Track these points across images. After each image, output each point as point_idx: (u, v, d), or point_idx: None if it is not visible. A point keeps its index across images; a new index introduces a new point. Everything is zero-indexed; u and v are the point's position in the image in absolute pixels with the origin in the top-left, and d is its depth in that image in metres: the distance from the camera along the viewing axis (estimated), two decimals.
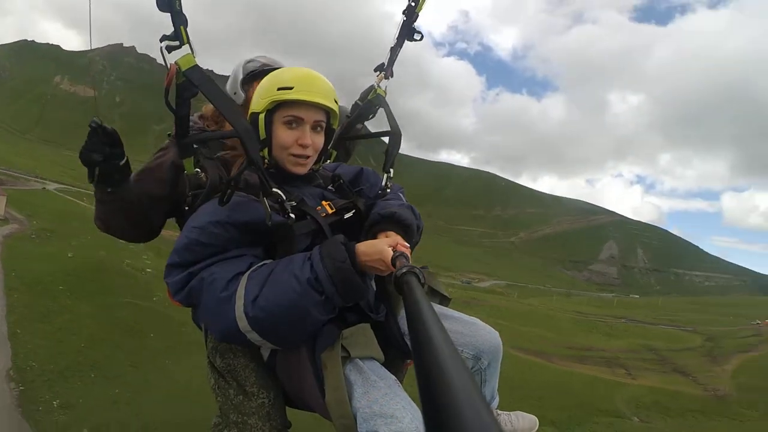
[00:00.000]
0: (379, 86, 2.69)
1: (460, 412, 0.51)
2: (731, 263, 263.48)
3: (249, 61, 2.59)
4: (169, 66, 1.63)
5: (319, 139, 2.05)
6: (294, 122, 1.97)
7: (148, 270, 20.10)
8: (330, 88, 2.02)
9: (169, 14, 1.64)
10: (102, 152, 1.90)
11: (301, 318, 1.65)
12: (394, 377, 1.77)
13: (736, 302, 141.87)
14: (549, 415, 32.14)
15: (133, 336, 11.08)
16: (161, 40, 1.66)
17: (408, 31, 2.63)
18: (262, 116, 1.97)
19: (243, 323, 1.63)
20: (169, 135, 2.25)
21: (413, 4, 2.58)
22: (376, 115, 2.80)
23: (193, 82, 1.67)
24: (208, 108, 2.49)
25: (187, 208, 2.07)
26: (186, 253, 1.74)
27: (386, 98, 2.69)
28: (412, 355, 0.80)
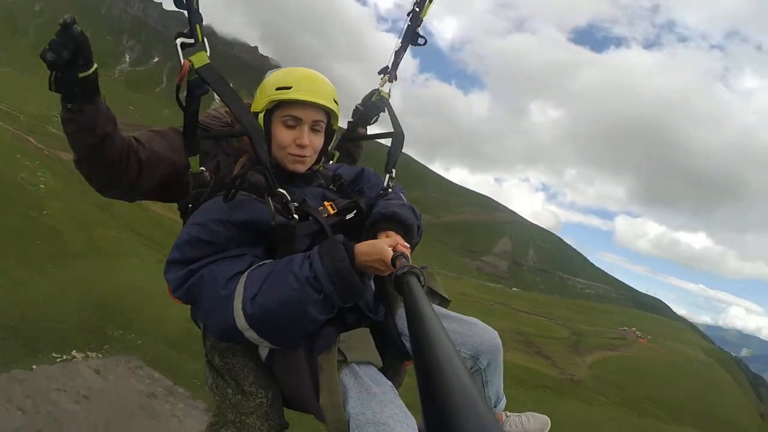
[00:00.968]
0: (382, 89, 2.73)
1: (460, 411, 0.51)
2: (614, 277, 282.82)
3: (269, 72, 2.50)
4: (182, 62, 1.69)
5: (318, 140, 2.04)
6: (292, 122, 1.96)
7: (41, 186, 20.81)
8: (330, 88, 2.01)
9: (186, 11, 1.72)
10: (58, 54, 1.61)
11: (300, 316, 1.63)
12: (390, 384, 1.77)
13: (612, 310, 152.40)
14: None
15: (21, 241, 12.27)
16: (176, 37, 1.72)
17: (412, 35, 2.68)
18: (261, 115, 1.98)
19: (241, 321, 1.62)
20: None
21: (417, 9, 2.64)
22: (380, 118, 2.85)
23: (206, 80, 1.72)
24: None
25: (190, 205, 2.01)
26: (187, 249, 1.72)
27: (390, 99, 2.77)
28: (412, 354, 0.79)
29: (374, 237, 1.88)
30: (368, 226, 1.95)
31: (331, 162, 2.69)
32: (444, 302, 2.37)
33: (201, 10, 1.74)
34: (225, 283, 1.64)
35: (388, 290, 2.00)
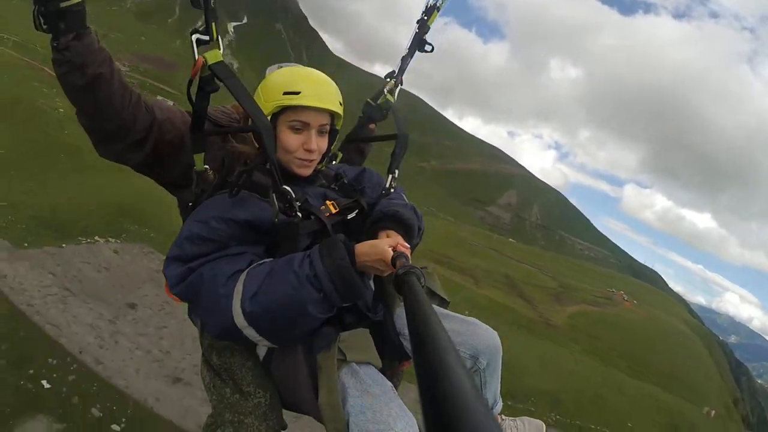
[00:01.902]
0: (389, 92, 2.77)
1: (460, 411, 0.52)
2: (614, 244, 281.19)
3: (269, 69, 2.45)
4: (196, 58, 1.71)
5: (324, 142, 2.03)
6: (300, 126, 1.93)
7: (60, 110, 20.88)
8: (336, 90, 2.01)
9: (203, 10, 1.75)
10: None
11: (299, 315, 1.63)
12: (390, 384, 1.79)
13: (605, 273, 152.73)
14: None
15: (47, 155, 13.54)
16: (192, 33, 1.74)
17: (419, 42, 2.74)
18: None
19: (240, 319, 1.62)
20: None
21: (425, 17, 2.70)
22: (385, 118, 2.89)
23: (218, 76, 1.73)
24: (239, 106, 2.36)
25: (190, 204, 2.02)
26: (187, 245, 1.72)
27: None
28: (412, 354, 0.79)
29: (375, 236, 1.89)
30: (369, 225, 1.96)
31: (333, 162, 2.71)
32: (443, 303, 2.39)
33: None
34: (225, 281, 1.64)
35: (388, 290, 2.00)
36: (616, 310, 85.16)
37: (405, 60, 2.78)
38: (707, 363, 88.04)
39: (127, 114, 1.83)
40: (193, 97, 1.78)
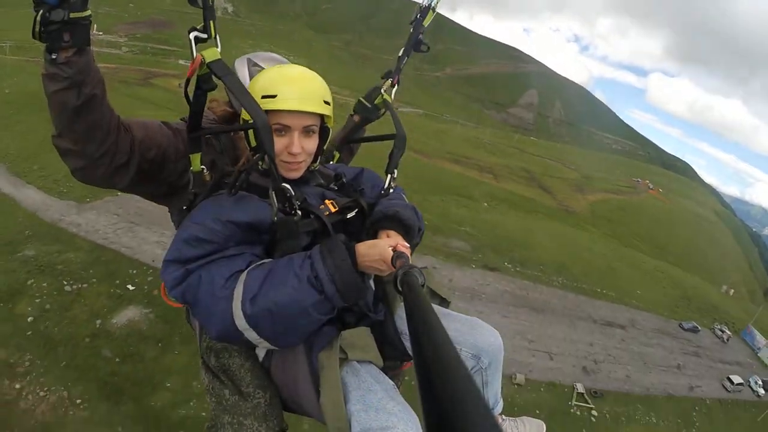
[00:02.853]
0: (385, 92, 2.73)
1: (460, 411, 0.52)
2: (643, 136, 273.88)
3: (254, 65, 2.44)
4: (194, 57, 1.68)
5: (311, 143, 1.95)
6: (282, 130, 1.87)
7: None
8: (319, 89, 1.90)
9: (201, 9, 1.72)
10: None
11: (300, 317, 1.61)
12: (392, 383, 1.77)
13: (633, 164, 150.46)
14: (413, 185, 41.99)
15: None
16: (190, 31, 1.72)
17: (415, 42, 2.71)
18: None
19: (241, 321, 1.60)
20: (182, 119, 2.09)
21: (420, 17, 2.68)
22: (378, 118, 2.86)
23: (217, 74, 1.70)
24: (214, 105, 2.33)
25: (185, 207, 1.99)
26: (184, 248, 1.68)
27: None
28: (412, 354, 0.79)
29: (375, 236, 1.90)
30: (369, 226, 1.95)
31: (331, 162, 2.71)
32: (444, 302, 2.38)
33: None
34: (224, 283, 1.63)
35: (388, 290, 2.03)
36: (640, 198, 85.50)
37: (401, 60, 2.74)
38: (734, 251, 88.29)
39: (112, 138, 1.78)
40: (191, 96, 1.77)
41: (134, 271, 18.17)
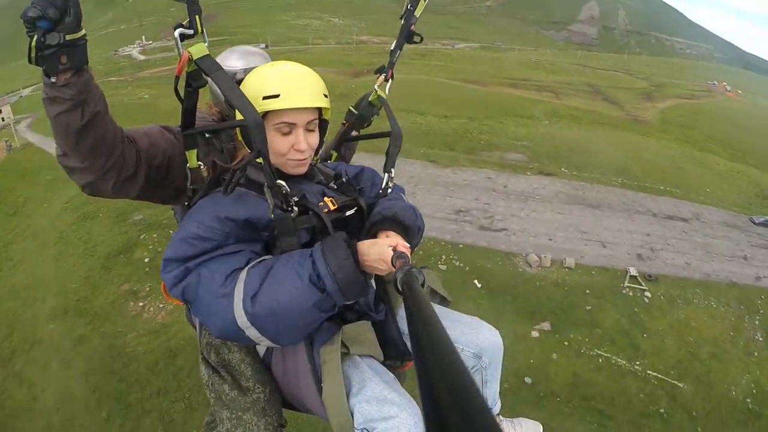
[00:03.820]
0: (379, 88, 2.69)
1: (460, 411, 0.52)
2: (716, 35, 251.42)
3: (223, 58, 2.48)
4: (181, 54, 1.65)
5: (314, 138, 1.96)
6: (287, 128, 1.87)
7: (145, 96, 26.08)
8: (317, 83, 1.91)
9: (185, 4, 1.69)
10: (44, 11, 1.46)
11: (302, 315, 1.62)
12: (392, 375, 1.77)
13: (709, 67, 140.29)
14: (466, 113, 43.21)
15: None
16: (175, 28, 1.69)
17: (407, 34, 2.64)
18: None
19: (242, 320, 1.60)
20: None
21: (411, 8, 2.60)
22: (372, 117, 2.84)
23: (205, 71, 1.68)
24: (212, 102, 2.39)
25: (186, 203, 2.01)
26: (183, 246, 1.69)
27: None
28: (413, 354, 0.81)
29: (374, 237, 1.90)
30: (369, 226, 1.95)
31: (329, 160, 2.70)
32: (444, 302, 2.39)
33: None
34: (224, 281, 1.63)
35: (389, 290, 2.04)
36: (716, 101, 79.98)
37: (394, 53, 2.68)
38: None
39: (118, 151, 1.81)
40: (182, 94, 1.76)
41: None
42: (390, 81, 2.73)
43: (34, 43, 1.47)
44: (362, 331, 1.83)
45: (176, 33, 1.70)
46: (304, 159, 1.95)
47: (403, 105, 45.67)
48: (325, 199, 1.98)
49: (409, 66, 73.60)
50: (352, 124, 2.82)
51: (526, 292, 18.71)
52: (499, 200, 25.42)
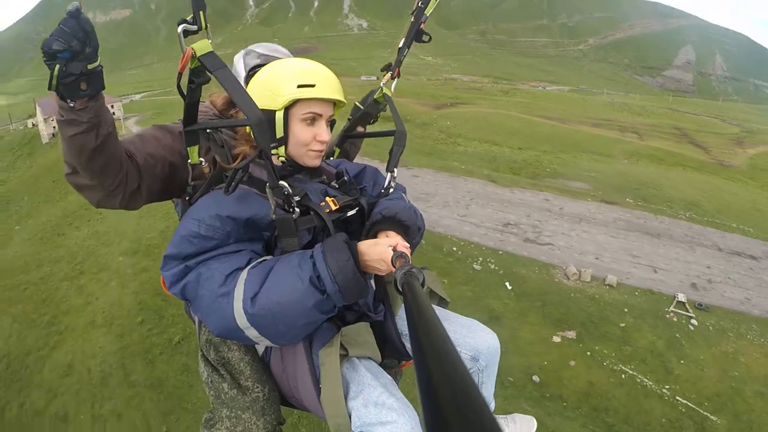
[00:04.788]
0: (385, 85, 2.69)
1: (460, 412, 0.52)
2: None
3: (247, 54, 2.48)
4: (184, 50, 1.64)
5: (329, 133, 2.02)
6: (313, 119, 1.94)
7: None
8: (339, 82, 2.01)
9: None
10: (67, 43, 1.50)
11: (301, 316, 1.61)
12: (390, 378, 1.77)
13: None
14: (540, 146, 43.24)
15: None
16: (179, 24, 1.67)
17: (417, 32, 2.62)
18: (280, 114, 1.90)
19: (242, 320, 1.60)
20: (179, 120, 2.07)
21: (422, 6, 2.58)
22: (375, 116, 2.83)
23: (208, 68, 1.67)
24: (215, 98, 2.33)
25: (188, 198, 2.02)
26: (184, 244, 1.69)
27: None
28: (412, 354, 0.80)
29: (374, 237, 1.89)
30: (369, 226, 1.94)
31: (331, 158, 2.71)
32: (443, 303, 2.39)
33: None
34: (223, 280, 1.63)
35: (389, 290, 2.04)
36: None
37: (401, 51, 2.66)
38: None
39: (125, 168, 1.86)
40: (184, 90, 1.77)
41: None
42: (396, 79, 2.74)
43: (56, 72, 1.53)
44: (361, 333, 1.83)
45: (180, 29, 1.68)
46: (322, 150, 2.02)
47: (479, 135, 45.92)
48: (327, 198, 1.97)
49: (491, 102, 73.93)
50: (356, 120, 2.82)
51: (558, 300, 18.05)
52: (551, 219, 24.87)
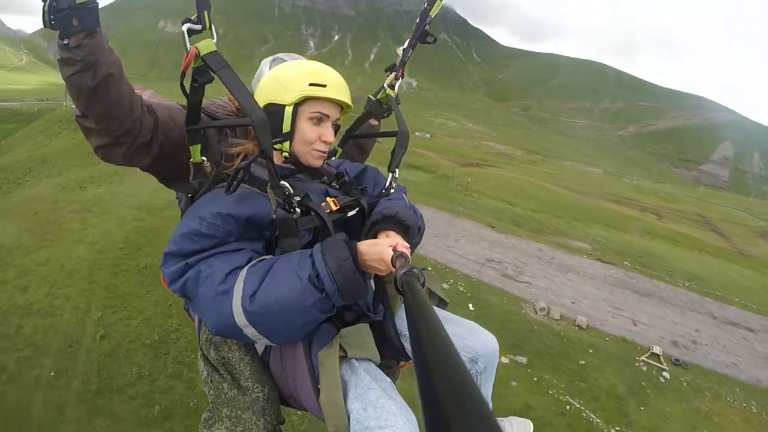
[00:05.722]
0: (389, 86, 2.69)
1: (461, 413, 0.52)
2: None
3: (274, 60, 2.60)
4: (188, 49, 1.67)
5: (333, 135, 2.05)
6: (321, 119, 1.96)
7: None
8: (348, 87, 2.05)
9: None
10: None
11: (300, 315, 1.62)
12: (389, 380, 1.76)
13: None
14: (554, 212, 42.21)
15: None
16: (184, 23, 1.68)
17: (422, 34, 2.63)
18: (289, 109, 1.93)
19: (240, 318, 1.61)
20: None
21: (427, 6, 2.58)
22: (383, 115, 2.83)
23: (211, 67, 1.70)
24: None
25: (190, 195, 1.99)
26: (184, 242, 1.70)
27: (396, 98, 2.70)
28: (413, 354, 0.80)
29: (374, 237, 1.91)
30: (369, 226, 1.96)
31: (333, 158, 2.72)
32: (442, 303, 2.40)
33: None
34: (223, 278, 1.63)
35: (388, 290, 2.02)
36: None
37: (406, 52, 2.68)
38: None
39: (135, 115, 1.82)
40: (187, 90, 1.77)
41: None
42: (400, 80, 2.74)
43: (47, 7, 1.54)
44: (360, 334, 1.83)
45: (184, 28, 1.69)
46: (325, 151, 2.05)
47: (495, 194, 45.70)
48: (328, 199, 2.00)
49: (517, 169, 74.51)
50: (369, 111, 2.83)
51: (518, 328, 17.08)
52: (538, 264, 24.06)
